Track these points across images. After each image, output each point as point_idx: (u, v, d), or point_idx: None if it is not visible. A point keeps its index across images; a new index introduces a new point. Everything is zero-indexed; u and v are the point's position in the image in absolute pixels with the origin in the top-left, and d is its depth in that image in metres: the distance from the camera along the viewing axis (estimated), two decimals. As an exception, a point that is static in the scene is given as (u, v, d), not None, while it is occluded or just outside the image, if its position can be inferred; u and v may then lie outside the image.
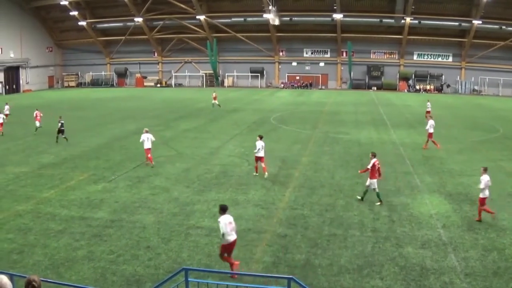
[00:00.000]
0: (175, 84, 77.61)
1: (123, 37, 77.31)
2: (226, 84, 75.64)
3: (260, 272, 12.30)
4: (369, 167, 18.06)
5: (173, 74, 78.22)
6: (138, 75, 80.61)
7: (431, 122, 29.02)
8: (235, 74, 76.02)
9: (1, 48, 71.73)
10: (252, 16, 68.05)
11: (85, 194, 19.51)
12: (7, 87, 73.38)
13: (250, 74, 74.77)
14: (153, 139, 24.52)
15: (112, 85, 79.25)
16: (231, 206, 15.97)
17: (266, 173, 21.84)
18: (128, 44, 78.73)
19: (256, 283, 11.41)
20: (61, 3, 70.65)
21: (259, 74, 74.33)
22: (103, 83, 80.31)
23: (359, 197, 18.62)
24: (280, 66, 75.57)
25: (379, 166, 18.24)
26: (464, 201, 18.39)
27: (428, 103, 42.62)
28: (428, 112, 39.51)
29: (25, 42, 76.04)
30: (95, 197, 19.24)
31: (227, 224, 12.22)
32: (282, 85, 74.30)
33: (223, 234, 12.18)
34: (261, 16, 64.99)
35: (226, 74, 76.47)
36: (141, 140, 24.37)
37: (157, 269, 12.71)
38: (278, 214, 17.01)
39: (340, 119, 41.48)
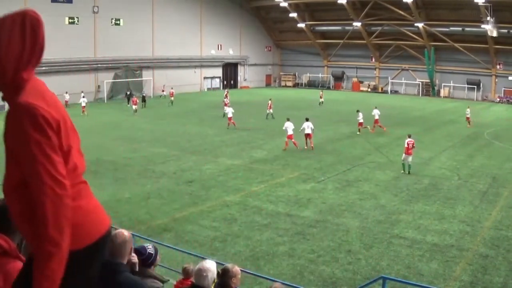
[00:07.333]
0: (391, 91, 76.09)
1: (341, 41, 77.59)
2: (442, 94, 72.24)
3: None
4: None
5: (390, 80, 76.74)
6: (354, 79, 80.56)
7: None
8: (451, 84, 72.17)
9: (221, 45, 76.34)
10: (470, 26, 63.60)
11: (294, 192, 20.02)
12: (224, 82, 78.07)
13: (466, 85, 70.43)
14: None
15: (328, 88, 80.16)
16: (436, 219, 16.90)
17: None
18: (346, 47, 78.82)
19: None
20: (281, 4, 73.16)
21: (475, 87, 69.68)
22: (320, 85, 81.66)
23: None
24: (496, 80, 69.72)
25: None
26: None
27: None
28: None
29: (244, 40, 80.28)
30: (303, 195, 19.63)
31: (305, 126, 28.69)
32: (498, 99, 68.45)
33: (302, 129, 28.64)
34: (479, 26, 60.68)
35: (443, 84, 72.96)
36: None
37: (355, 274, 12.62)
38: (483, 233, 15.89)
39: None
